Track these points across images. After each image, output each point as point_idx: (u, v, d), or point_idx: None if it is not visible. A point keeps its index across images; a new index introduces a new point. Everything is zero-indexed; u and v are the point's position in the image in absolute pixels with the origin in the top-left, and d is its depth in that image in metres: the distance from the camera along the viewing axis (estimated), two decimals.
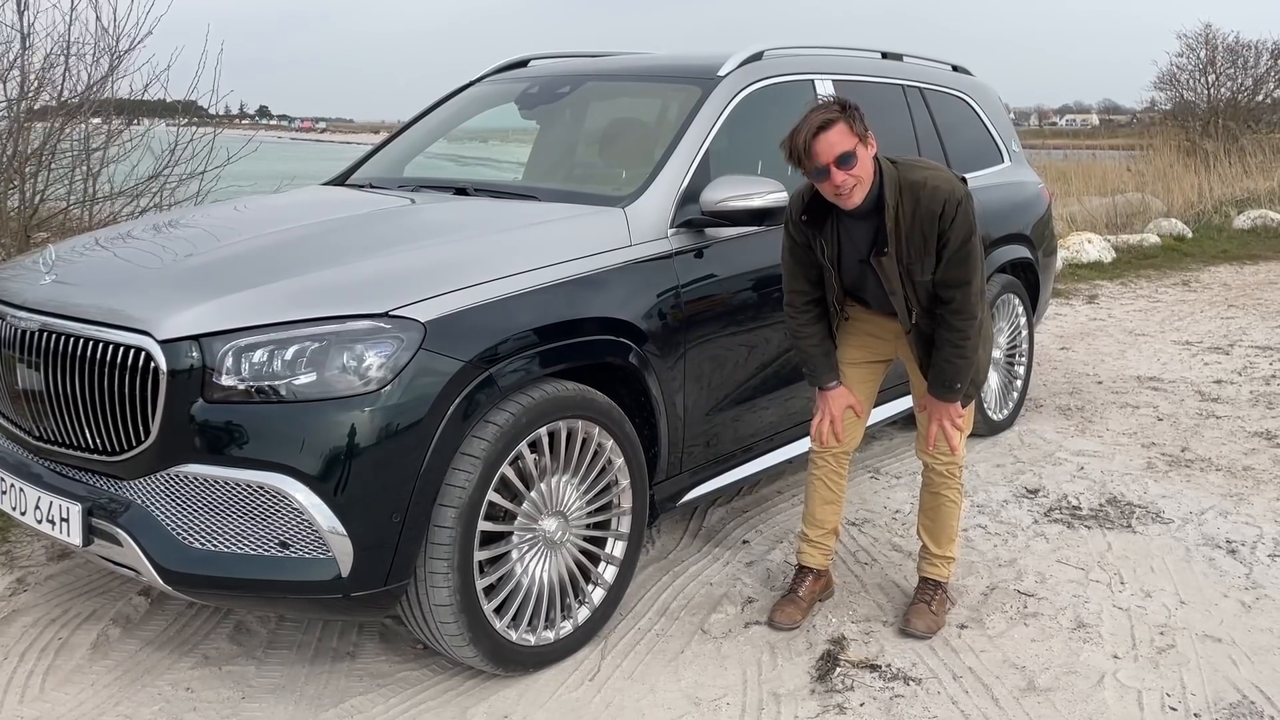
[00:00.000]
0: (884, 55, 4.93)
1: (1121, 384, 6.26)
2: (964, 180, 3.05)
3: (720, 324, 3.51)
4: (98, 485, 2.75)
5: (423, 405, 2.61)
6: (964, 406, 3.17)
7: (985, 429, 5.18)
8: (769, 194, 3.41)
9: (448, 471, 2.71)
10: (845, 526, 4.02)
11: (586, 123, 4.25)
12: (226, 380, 2.55)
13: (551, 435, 2.94)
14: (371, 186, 4.03)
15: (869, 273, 3.05)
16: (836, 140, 2.83)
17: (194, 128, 7.34)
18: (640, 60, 4.35)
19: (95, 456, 2.72)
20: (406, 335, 2.62)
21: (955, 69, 5.46)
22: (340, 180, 4.30)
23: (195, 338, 2.56)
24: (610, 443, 3.12)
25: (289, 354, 2.56)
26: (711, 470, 3.64)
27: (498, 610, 2.88)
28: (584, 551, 3.13)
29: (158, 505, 2.64)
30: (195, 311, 2.59)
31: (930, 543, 3.32)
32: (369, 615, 3.02)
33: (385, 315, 2.63)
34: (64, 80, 6.66)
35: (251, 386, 2.55)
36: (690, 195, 3.46)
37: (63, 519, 2.73)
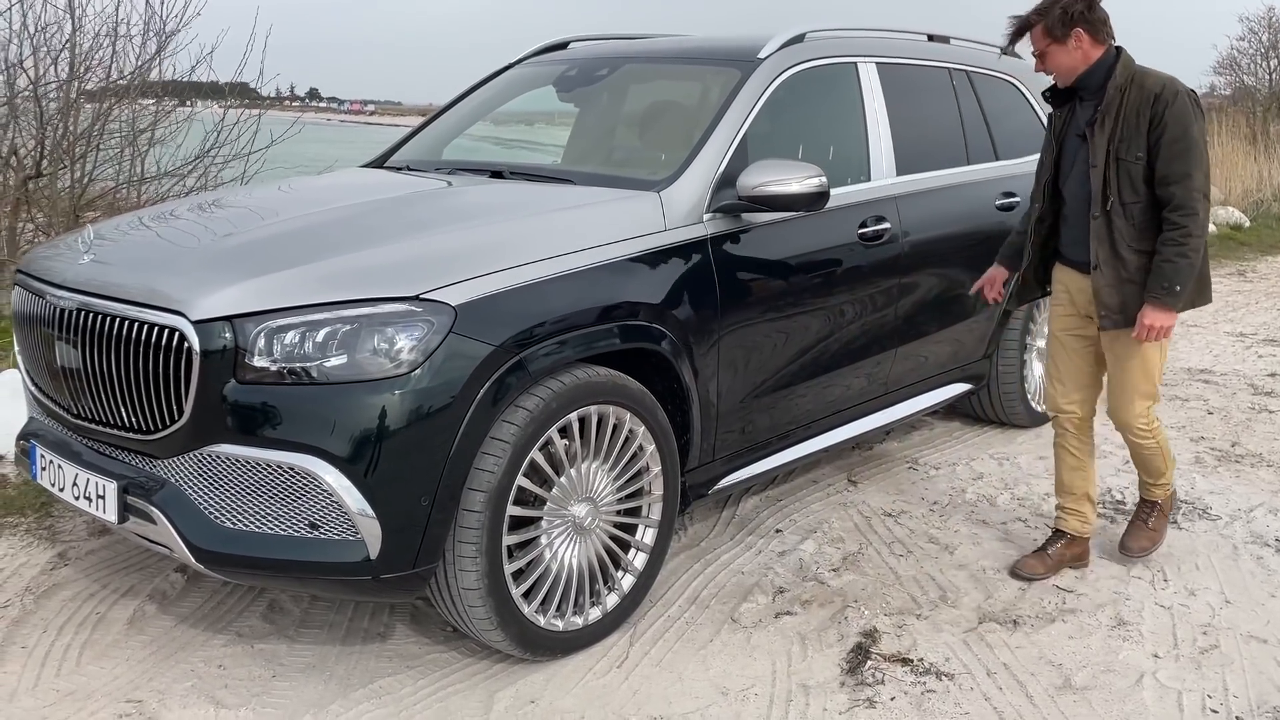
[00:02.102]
0: (930, 38, 4.84)
1: (1171, 376, 6.12)
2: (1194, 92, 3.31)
3: (756, 310, 3.47)
4: (133, 464, 2.78)
5: (453, 389, 2.60)
6: (1176, 312, 3.22)
7: (1028, 420, 5.09)
8: (807, 179, 3.36)
9: (477, 455, 2.70)
10: (881, 517, 3.97)
11: (624, 106, 4.22)
12: (258, 361, 2.56)
13: (582, 421, 2.93)
14: (409, 169, 4.02)
15: (1081, 153, 3.32)
16: (1033, 40, 3.33)
17: (239, 110, 7.42)
18: (679, 43, 4.30)
19: (131, 435, 2.75)
20: (437, 319, 2.62)
21: (1004, 52, 5.34)
22: (379, 162, 4.30)
23: (228, 319, 2.57)
24: (642, 429, 3.10)
25: (320, 336, 2.56)
26: (745, 458, 3.61)
27: (526, 595, 2.88)
28: (614, 538, 3.12)
29: (191, 484, 2.66)
30: (228, 292, 2.60)
31: (1144, 475, 3.64)
32: (398, 597, 3.02)
33: (416, 298, 2.62)
34: (112, 61, 6.72)
35: (283, 368, 2.55)
36: (727, 180, 3.41)
37: (99, 496, 2.76)
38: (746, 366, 3.47)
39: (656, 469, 3.18)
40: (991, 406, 5.08)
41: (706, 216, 3.36)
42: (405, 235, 2.91)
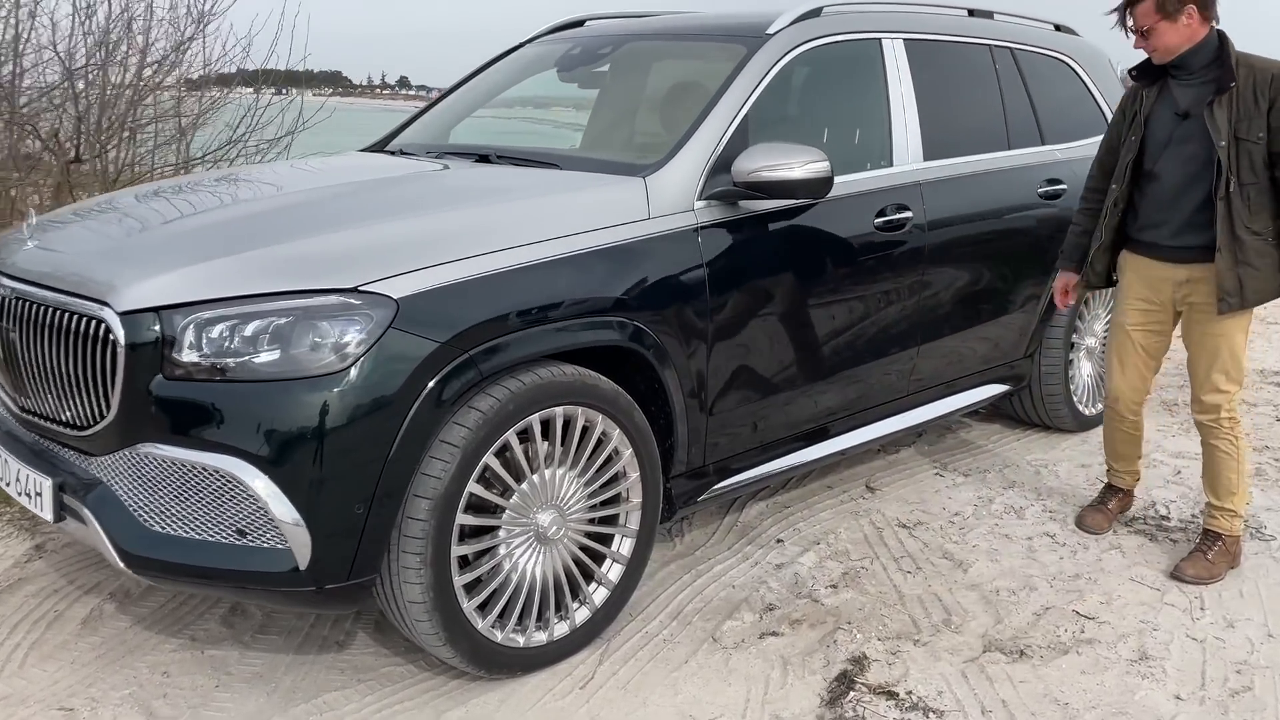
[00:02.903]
0: (971, 13, 4.51)
1: None
2: None
3: (754, 305, 3.22)
4: (72, 461, 2.66)
5: (390, 389, 2.41)
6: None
7: (1074, 424, 4.74)
8: (808, 164, 3.10)
9: (424, 460, 2.51)
10: (894, 528, 3.69)
11: (622, 86, 3.99)
12: (186, 356, 2.40)
13: (547, 423, 2.73)
14: (403, 152, 3.85)
15: (1178, 132, 3.25)
16: (1141, 15, 3.22)
17: (270, 95, 7.37)
18: (689, 19, 4.04)
19: (67, 431, 2.62)
20: (376, 312, 2.43)
21: (1058, 28, 4.97)
22: (380, 145, 4.14)
23: (155, 310, 2.41)
24: (617, 432, 2.88)
25: (249, 330, 2.40)
26: (742, 463, 3.37)
27: (482, 608, 2.69)
28: (587, 548, 2.91)
29: (122, 485, 2.52)
30: (156, 282, 2.45)
31: (1210, 494, 3.47)
32: (337, 609, 2.86)
33: (354, 290, 2.44)
34: (147, 46, 6.69)
35: (212, 363, 2.39)
36: (724, 164, 3.16)
37: (37, 493, 2.64)
38: (743, 366, 3.23)
39: (634, 475, 2.96)
40: (1034, 409, 4.74)
41: (699, 204, 3.12)
42: (356, 223, 2.73)
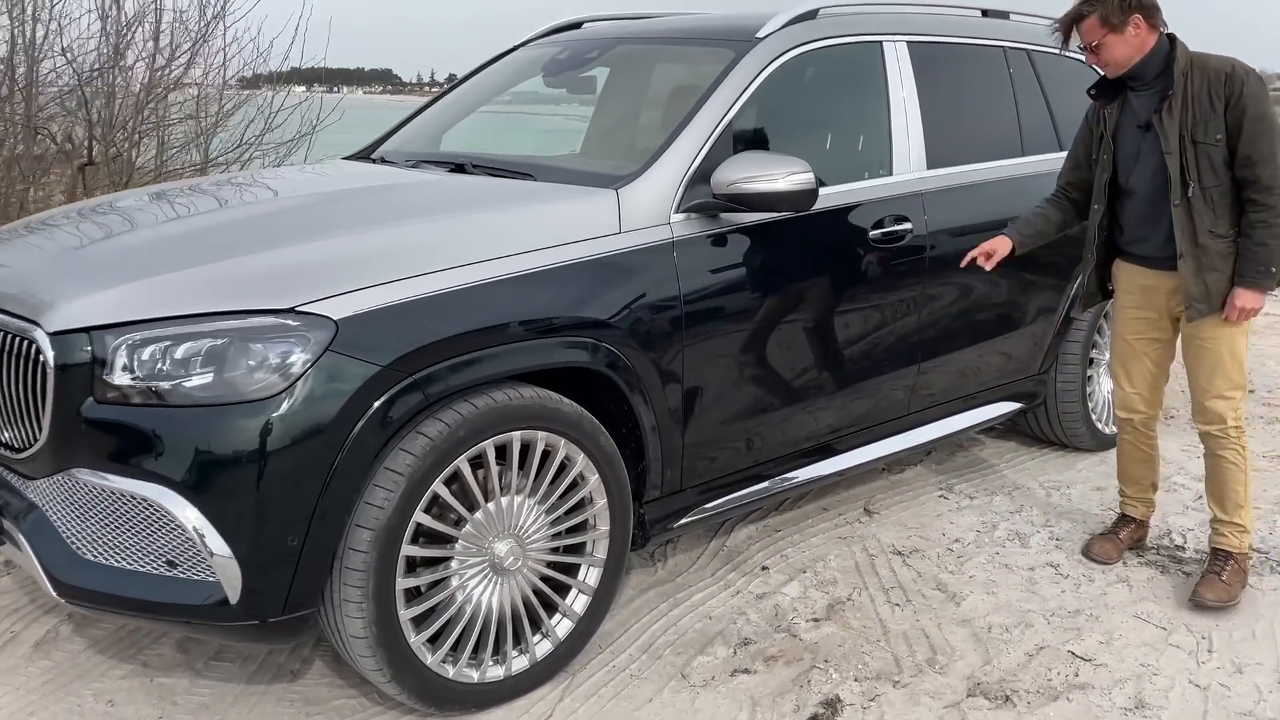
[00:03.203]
0: (985, 13, 4.32)
1: (1264, 391, 5.43)
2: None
3: (734, 324, 3.06)
4: (14, 483, 2.57)
5: (326, 414, 2.30)
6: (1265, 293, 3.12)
7: (1093, 443, 4.53)
8: (790, 175, 2.94)
9: (366, 489, 2.40)
10: (888, 555, 3.52)
11: (607, 92, 3.85)
12: (118, 378, 2.30)
13: (504, 449, 2.60)
14: (384, 160, 3.74)
15: (1145, 144, 3.18)
16: (1087, 31, 3.12)
17: (298, 93, 7.33)
18: (682, 21, 3.88)
19: (7, 452, 2.53)
20: (314, 334, 2.31)
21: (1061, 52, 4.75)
22: (368, 150, 4.03)
23: (87, 330, 2.32)
24: (581, 457, 2.75)
25: (180, 352, 2.29)
26: (724, 487, 3.22)
27: (433, 641, 2.57)
28: (551, 578, 2.79)
29: (56, 510, 2.43)
30: (89, 301, 2.35)
31: (1217, 509, 3.33)
32: (277, 643, 2.75)
33: (291, 311, 2.32)
34: (156, 52, 6.67)
35: (144, 386, 2.29)
36: (704, 175, 3.02)
37: None
38: (723, 387, 3.08)
39: (601, 501, 2.83)
40: (1050, 427, 4.53)
41: (676, 218, 2.98)
42: (302, 240, 2.61)
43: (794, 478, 3.39)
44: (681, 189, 3.01)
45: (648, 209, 2.94)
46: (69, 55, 6.25)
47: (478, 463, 2.56)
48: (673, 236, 2.95)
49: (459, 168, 3.36)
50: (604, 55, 3.85)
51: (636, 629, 3.06)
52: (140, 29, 6.55)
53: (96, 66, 6.76)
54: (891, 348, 3.57)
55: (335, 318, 2.34)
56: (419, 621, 2.54)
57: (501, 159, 3.38)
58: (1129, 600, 3.25)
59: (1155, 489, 3.63)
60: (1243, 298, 3.09)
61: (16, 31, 6.49)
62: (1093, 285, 3.48)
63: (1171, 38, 3.16)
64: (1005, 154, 4.09)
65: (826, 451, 3.49)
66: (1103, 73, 3.24)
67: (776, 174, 2.94)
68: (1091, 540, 3.60)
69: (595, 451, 2.77)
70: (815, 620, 3.09)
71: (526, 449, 2.64)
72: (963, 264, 3.48)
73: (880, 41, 3.68)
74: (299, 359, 2.28)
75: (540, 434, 2.65)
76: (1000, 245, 3.43)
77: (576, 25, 4.30)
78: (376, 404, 2.35)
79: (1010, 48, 4.23)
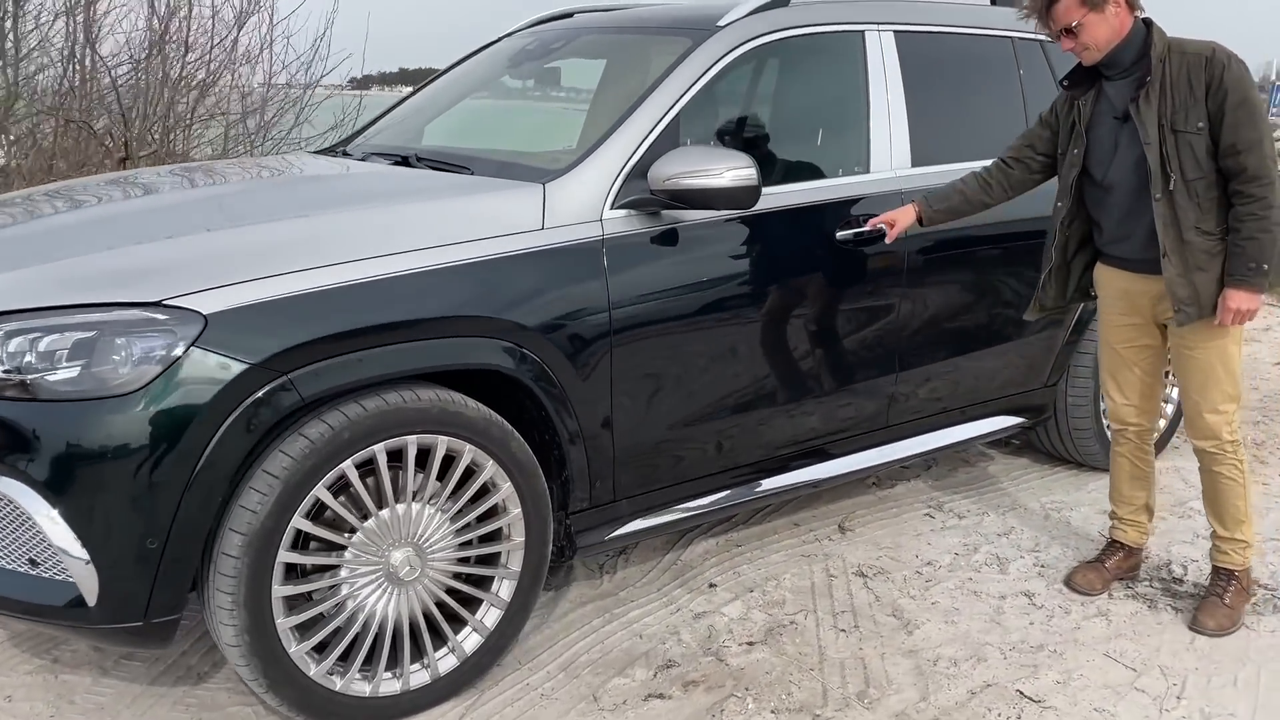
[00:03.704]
0: (994, 1, 4.05)
1: (1268, 395, 5.03)
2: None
3: (669, 328, 2.89)
4: None
5: (190, 413, 2.20)
6: (1259, 294, 2.86)
7: (1107, 461, 4.20)
8: (731, 170, 2.76)
9: (243, 491, 2.30)
10: (850, 576, 3.31)
11: (563, 83, 3.70)
12: None
13: (397, 453, 2.48)
14: (344, 153, 3.66)
15: (1122, 136, 2.94)
16: (1064, 11, 2.87)
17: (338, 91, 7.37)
18: (656, 10, 3.71)
19: None
20: (182, 329, 2.22)
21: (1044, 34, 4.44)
22: (344, 142, 3.95)
23: None
24: (490, 464, 2.62)
25: (44, 344, 2.22)
26: (664, 500, 3.05)
27: (321, 650, 2.47)
28: (461, 587, 2.66)
29: None
30: None
31: (1216, 525, 3.13)
32: (146, 648, 2.65)
33: (158, 304, 2.23)
34: (187, 50, 6.75)
35: (9, 379, 2.23)
36: (644, 170, 2.86)
37: None
38: (660, 396, 2.91)
39: (515, 511, 2.69)
40: (1060, 443, 4.25)
41: (610, 214, 2.82)
42: (188, 232, 2.52)
43: (745, 493, 3.20)
44: (618, 184, 2.85)
45: (578, 205, 2.79)
46: (98, 51, 6.33)
47: (364, 467, 2.45)
48: (603, 234, 2.79)
49: (404, 160, 3.26)
50: (567, 46, 3.71)
51: (562, 645, 2.91)
52: (174, 25, 6.61)
53: (140, 63, 6.91)
54: (863, 356, 3.36)
55: (205, 312, 2.24)
56: (304, 630, 2.44)
57: (449, 152, 3.27)
58: (1103, 636, 2.98)
59: (1150, 513, 3.35)
60: (1235, 298, 2.83)
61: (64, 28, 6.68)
62: (1051, 290, 3.22)
63: (1147, 22, 2.93)
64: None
65: (784, 467, 3.30)
66: (1079, 60, 2.98)
67: (717, 169, 2.77)
68: (1075, 569, 3.33)
69: (506, 459, 2.63)
70: (749, 644, 2.90)
71: (425, 454, 2.52)
72: (868, 227, 3.22)
73: (862, 31, 3.46)
74: (163, 354, 2.20)
75: (441, 439, 2.52)
76: (902, 216, 3.20)
77: (568, 15, 4.17)
78: (245, 403, 2.25)
79: (1021, 39, 3.97)
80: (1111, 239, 3.06)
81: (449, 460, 2.57)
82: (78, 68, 7.10)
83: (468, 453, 2.57)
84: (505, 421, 2.64)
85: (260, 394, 2.26)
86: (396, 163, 3.27)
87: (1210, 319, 2.89)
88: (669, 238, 2.90)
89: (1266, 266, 2.80)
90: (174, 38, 6.75)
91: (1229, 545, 3.11)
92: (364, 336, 2.39)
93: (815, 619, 3.03)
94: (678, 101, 2.99)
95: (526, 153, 3.20)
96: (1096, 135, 3.01)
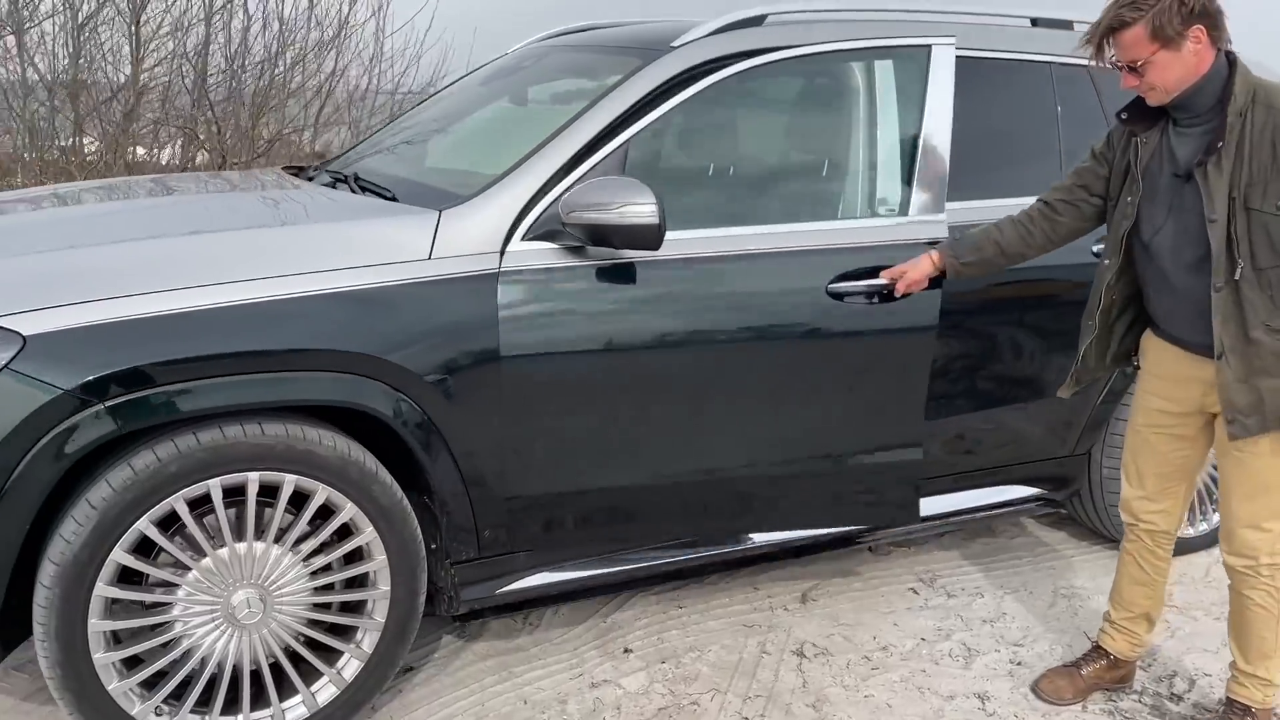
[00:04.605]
0: (1035, 22, 3.62)
1: None
2: None
3: (572, 375, 2.65)
4: None
5: None
6: None
7: None
8: (625, 206, 2.52)
9: (64, 519, 2.23)
10: (787, 655, 2.99)
11: (514, 104, 3.49)
12: None
13: (239, 490, 2.36)
14: (309, 177, 3.57)
15: (1181, 199, 2.44)
16: (1131, 45, 2.36)
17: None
18: (633, 28, 3.46)
19: None
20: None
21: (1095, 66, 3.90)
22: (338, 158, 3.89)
23: None
24: (350, 506, 2.46)
25: None
26: (573, 557, 2.83)
27: (150, 687, 2.37)
28: (316, 635, 2.52)
29: None
30: None
31: (1238, 655, 2.68)
32: None
33: None
34: (277, 57, 6.93)
35: None
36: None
37: None
38: (564, 447, 2.69)
39: (380, 558, 2.53)
40: (1095, 519, 3.77)
41: (519, 247, 2.63)
42: (35, 250, 2.47)
43: (666, 560, 2.93)
44: (534, 214, 2.65)
45: (476, 235, 2.61)
46: (191, 60, 6.57)
47: (197, 504, 2.33)
48: (499, 268, 2.60)
49: (341, 180, 3.16)
50: (535, 65, 3.52)
51: (441, 703, 2.73)
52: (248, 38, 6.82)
53: (242, 69, 7.16)
54: (811, 423, 3.01)
55: (25, 333, 2.17)
56: (130, 666, 2.35)
57: (388, 175, 3.13)
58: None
59: (1149, 624, 2.87)
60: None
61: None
62: (1090, 362, 2.74)
63: (1231, 58, 2.40)
64: (1033, 190, 3.41)
65: (719, 534, 2.99)
66: (1142, 97, 2.47)
67: (613, 204, 2.53)
68: (1047, 672, 2.91)
69: (366, 503, 2.47)
70: None
71: (273, 493, 2.39)
72: (882, 279, 2.87)
73: (858, 54, 3.13)
74: None
75: (289, 477, 2.39)
76: (920, 268, 2.81)
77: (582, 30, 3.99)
78: (55, 430, 2.17)
79: (1061, 64, 3.53)
80: (1164, 313, 2.58)
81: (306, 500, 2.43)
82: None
83: (321, 492, 2.43)
84: (371, 463, 2.48)
85: (72, 421, 2.18)
86: (333, 184, 3.17)
87: (1277, 433, 2.41)
88: (571, 274, 2.67)
89: None
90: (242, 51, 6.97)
91: (1248, 680, 2.65)
92: (194, 366, 2.28)
93: (721, 702, 2.74)
94: (617, 127, 2.76)
95: (469, 175, 3.02)
96: (1149, 189, 2.51)
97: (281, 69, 7.03)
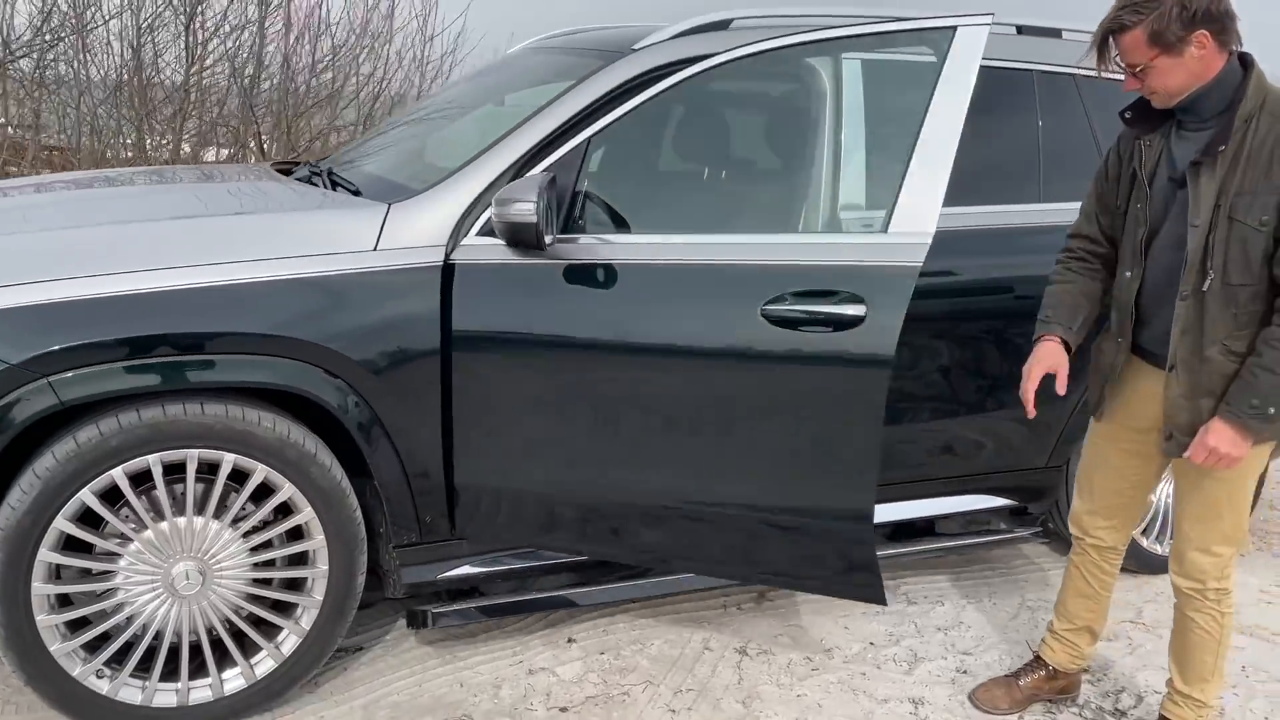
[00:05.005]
0: (1020, 29, 3.60)
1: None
2: None
3: (525, 370, 2.67)
4: None
5: None
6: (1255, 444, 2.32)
7: (1133, 562, 3.64)
8: (514, 204, 2.50)
9: (10, 489, 2.37)
10: (728, 652, 3.01)
11: (494, 106, 3.56)
12: None
13: (179, 466, 2.47)
14: (299, 174, 3.69)
15: (1175, 205, 2.38)
16: (1130, 50, 2.31)
17: None
18: (611, 31, 3.52)
19: None
20: None
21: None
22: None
23: None
24: (288, 485, 2.56)
25: None
26: (517, 550, 2.89)
27: (93, 650, 2.50)
28: (255, 610, 2.62)
29: None
30: None
31: (1176, 675, 2.65)
32: None
33: None
34: (314, 65, 7.14)
35: None
36: None
37: None
38: (503, 438, 2.74)
39: (318, 538, 2.63)
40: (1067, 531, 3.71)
41: (472, 241, 2.69)
42: (23, 232, 2.62)
43: (609, 550, 2.97)
44: (488, 212, 2.70)
45: (424, 229, 2.69)
46: (234, 61, 6.81)
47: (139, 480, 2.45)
48: (443, 261, 2.67)
49: (315, 174, 3.27)
50: (516, 67, 3.60)
51: (382, 681, 2.82)
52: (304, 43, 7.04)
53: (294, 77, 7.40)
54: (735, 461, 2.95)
55: None
56: (74, 628, 2.48)
57: (361, 172, 3.24)
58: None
59: (1092, 638, 2.85)
60: (1218, 435, 2.28)
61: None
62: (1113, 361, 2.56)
63: (1246, 61, 2.33)
64: (1006, 198, 3.39)
65: (635, 559, 3.00)
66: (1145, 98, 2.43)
67: (509, 201, 2.53)
68: (985, 682, 2.89)
69: (303, 484, 2.57)
70: (560, 710, 2.69)
71: (212, 470, 2.50)
72: (1028, 408, 2.56)
73: (827, 59, 3.16)
74: None
75: (228, 455, 2.50)
76: (1058, 358, 2.53)
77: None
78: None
79: (1043, 71, 3.50)
80: (1142, 322, 2.51)
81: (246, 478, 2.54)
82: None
83: (259, 472, 2.53)
84: (312, 445, 2.58)
85: (15, 395, 2.31)
86: (305, 177, 3.29)
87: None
88: (527, 271, 2.72)
89: (1273, 411, 2.22)
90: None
91: (1184, 701, 2.62)
92: (137, 345, 2.39)
93: (652, 694, 2.78)
94: (572, 128, 2.81)
95: (432, 171, 3.10)
96: (1157, 189, 2.43)
97: (330, 74, 7.24)
